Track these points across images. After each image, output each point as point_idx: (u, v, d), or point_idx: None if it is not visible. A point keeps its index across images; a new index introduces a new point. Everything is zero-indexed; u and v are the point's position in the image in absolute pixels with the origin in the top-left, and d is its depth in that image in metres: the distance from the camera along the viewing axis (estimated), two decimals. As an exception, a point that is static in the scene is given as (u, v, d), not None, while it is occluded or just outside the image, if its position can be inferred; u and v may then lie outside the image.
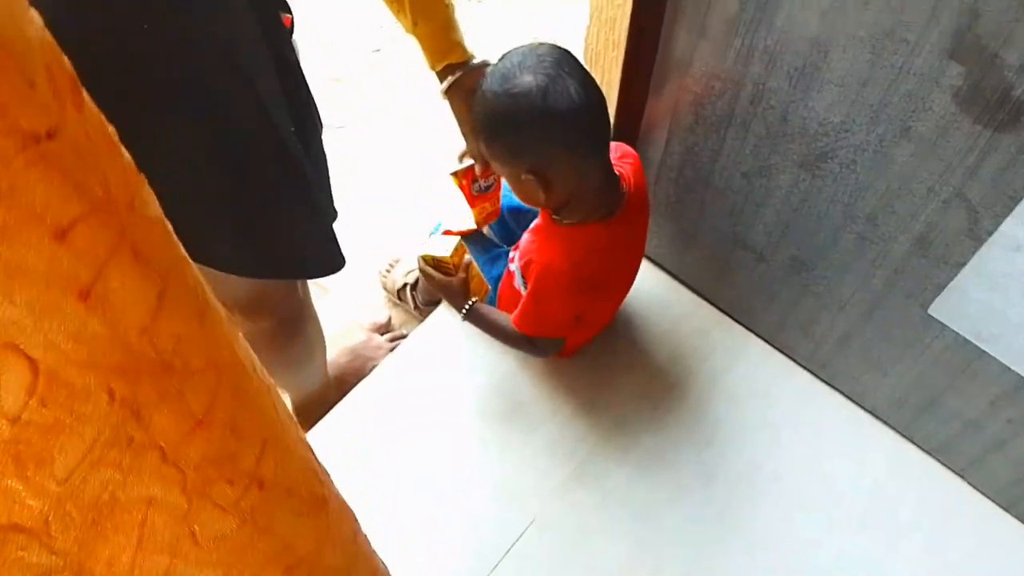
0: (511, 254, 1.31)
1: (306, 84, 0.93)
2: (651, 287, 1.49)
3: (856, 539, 1.26)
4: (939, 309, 1.11)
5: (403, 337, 1.57)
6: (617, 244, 1.18)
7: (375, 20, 2.22)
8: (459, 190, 1.23)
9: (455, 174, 1.21)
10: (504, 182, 1.18)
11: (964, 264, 1.04)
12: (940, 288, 1.09)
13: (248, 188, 0.81)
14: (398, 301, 1.64)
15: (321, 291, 1.67)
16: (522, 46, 1.03)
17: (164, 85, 0.72)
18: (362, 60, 2.18)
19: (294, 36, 0.89)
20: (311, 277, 1.20)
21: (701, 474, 1.31)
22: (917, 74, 0.91)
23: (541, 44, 1.02)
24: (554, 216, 1.15)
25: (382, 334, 1.57)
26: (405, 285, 1.60)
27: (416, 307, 1.60)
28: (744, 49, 1.06)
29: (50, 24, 0.27)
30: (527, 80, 0.98)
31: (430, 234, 1.40)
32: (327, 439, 1.35)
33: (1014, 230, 0.95)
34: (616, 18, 1.21)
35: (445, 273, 1.27)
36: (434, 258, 1.24)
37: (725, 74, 1.11)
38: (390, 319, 1.61)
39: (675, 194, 1.35)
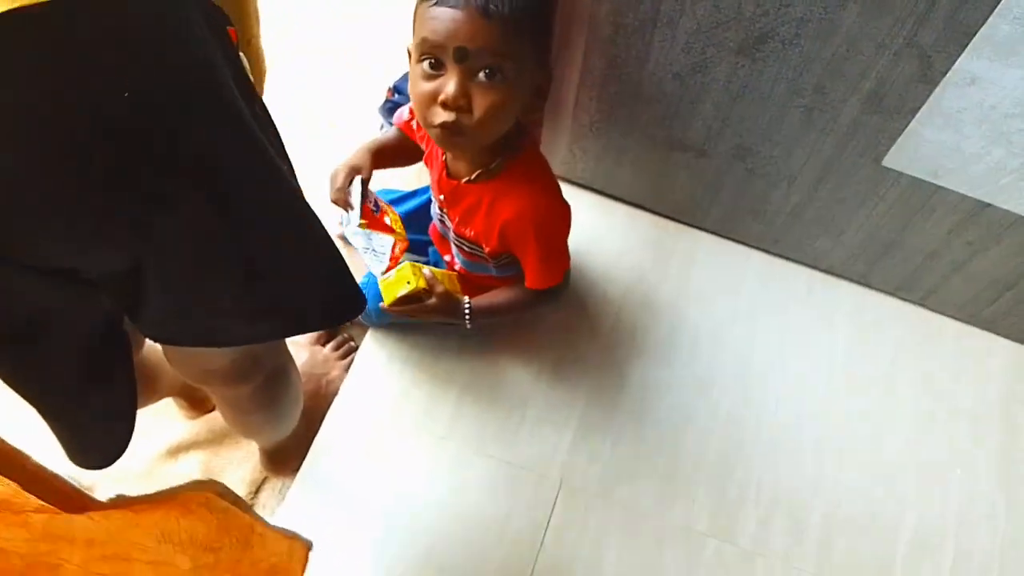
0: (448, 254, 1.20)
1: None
2: (587, 212, 1.43)
3: (850, 397, 1.31)
4: (894, 159, 1.13)
5: (348, 341, 1.43)
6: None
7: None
8: (370, 231, 1.09)
9: (362, 223, 1.07)
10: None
11: (917, 110, 1.05)
12: (893, 139, 1.11)
13: (252, 236, 0.65)
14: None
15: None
16: None
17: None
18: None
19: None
20: (336, 322, 1.04)
21: (698, 387, 1.31)
22: (862, -70, 0.88)
23: None
24: (491, 166, 1.04)
25: (323, 344, 1.42)
26: None
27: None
28: (665, -57, 0.99)
29: None
30: None
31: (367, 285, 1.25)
32: (321, 476, 1.22)
33: (968, 65, 0.97)
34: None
35: (423, 300, 1.12)
36: (406, 295, 1.09)
37: (645, -26, 1.04)
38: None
39: (598, 111, 1.28)
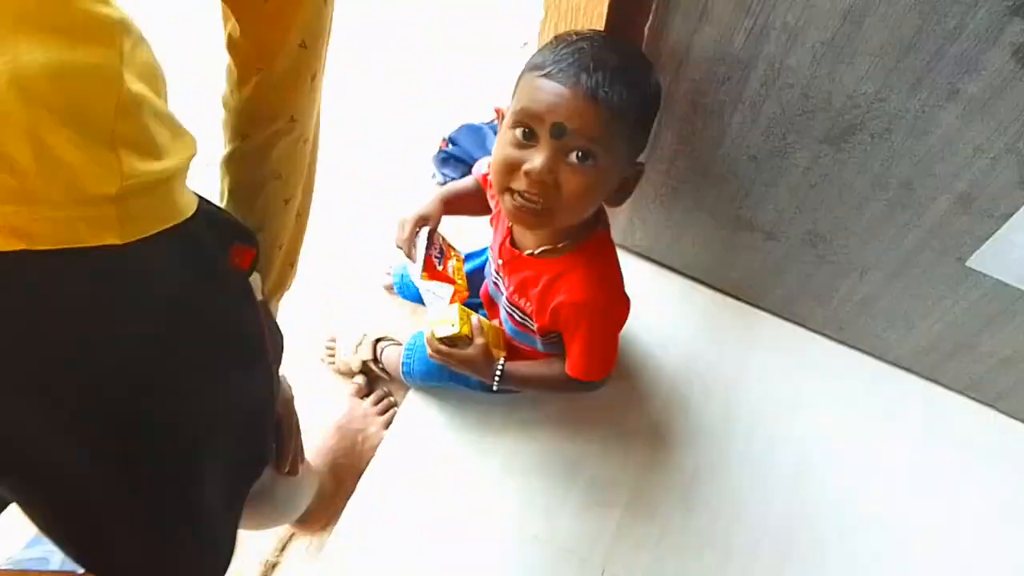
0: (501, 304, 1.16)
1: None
2: (644, 282, 1.38)
3: (912, 502, 1.24)
4: (979, 261, 1.08)
5: (387, 397, 1.39)
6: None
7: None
8: (432, 281, 1.08)
9: (425, 273, 1.06)
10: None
11: (1011, 215, 0.99)
12: (981, 240, 1.05)
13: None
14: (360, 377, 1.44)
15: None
16: (578, 36, 0.90)
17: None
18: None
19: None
20: None
21: (753, 477, 1.24)
22: (972, 35, 0.83)
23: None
24: (560, 244, 1.01)
25: (363, 397, 1.38)
26: (363, 362, 1.40)
27: (388, 374, 1.42)
28: (757, 29, 0.95)
29: None
30: (652, 73, 0.94)
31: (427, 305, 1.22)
32: (353, 539, 1.17)
33: (1072, 177, 0.91)
34: (580, 6, 1.06)
35: (462, 347, 1.08)
36: (448, 337, 1.05)
37: (732, 58, 0.99)
38: (367, 378, 1.41)
39: (665, 185, 1.24)
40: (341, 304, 1.55)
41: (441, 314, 1.05)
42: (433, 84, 1.93)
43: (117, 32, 0.48)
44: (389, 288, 1.50)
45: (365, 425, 1.34)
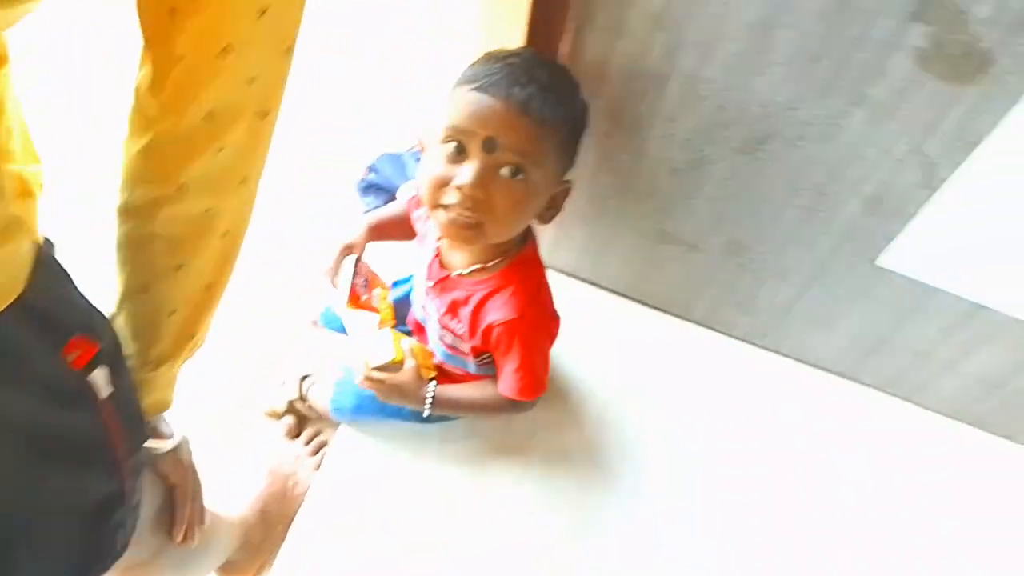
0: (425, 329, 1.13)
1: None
2: (570, 301, 1.37)
3: (839, 488, 1.27)
4: (889, 260, 1.12)
5: (318, 435, 1.34)
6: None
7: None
8: (358, 312, 1.04)
9: (350, 301, 1.03)
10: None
11: (915, 214, 1.04)
12: (889, 239, 1.10)
13: None
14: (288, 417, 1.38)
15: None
16: (508, 54, 0.91)
17: None
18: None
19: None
20: None
21: (695, 487, 1.25)
22: (875, 41, 0.87)
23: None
24: (490, 263, 1.00)
25: (295, 437, 1.33)
26: (290, 403, 1.35)
27: (316, 412, 1.36)
28: (671, 43, 0.97)
29: None
30: (578, 93, 0.96)
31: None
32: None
33: (970, 172, 0.96)
34: (500, 29, 1.07)
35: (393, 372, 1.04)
36: (383, 366, 1.01)
37: (648, 73, 1.01)
38: (296, 418, 1.36)
39: (588, 203, 1.25)
40: (259, 339, 1.49)
41: (374, 341, 1.01)
42: (426, 71, 1.92)
43: None
44: (313, 323, 1.45)
45: (295, 468, 1.28)
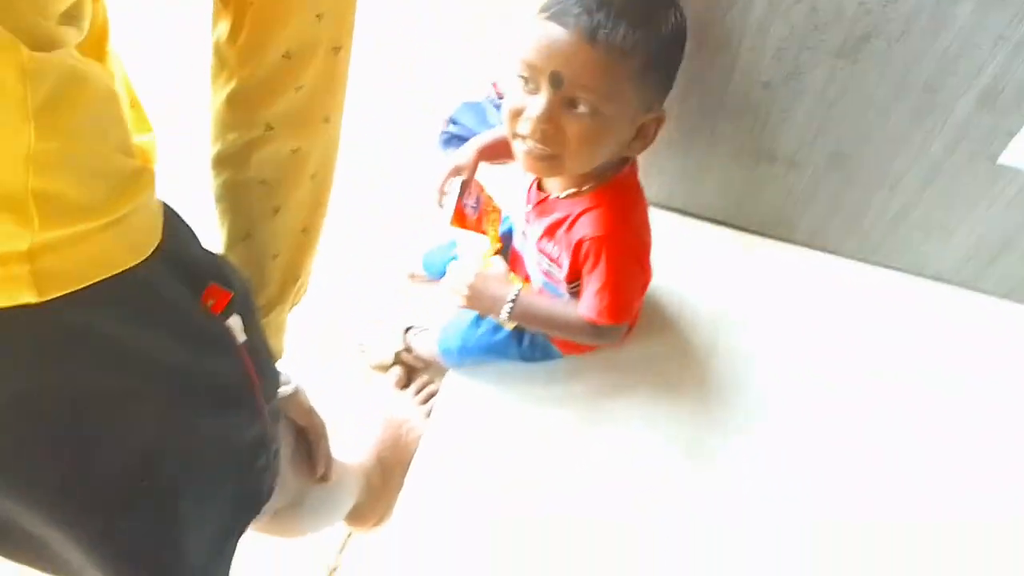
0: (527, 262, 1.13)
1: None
2: (667, 233, 1.35)
3: (971, 408, 1.21)
4: (1011, 156, 1.04)
5: (428, 385, 1.37)
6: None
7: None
8: (462, 231, 1.08)
9: (453, 220, 1.05)
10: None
11: (1040, 103, 0.96)
12: (1011, 135, 1.02)
13: None
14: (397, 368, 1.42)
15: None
16: None
17: None
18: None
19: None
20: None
21: (816, 415, 1.21)
22: (984, -86, 0.80)
23: None
24: (584, 187, 0.98)
25: (405, 387, 1.37)
26: (396, 353, 1.39)
27: (423, 361, 1.40)
28: (756, -53, 0.92)
29: None
30: (676, 10, 0.89)
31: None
32: (406, 538, 1.15)
33: (1102, 51, 0.88)
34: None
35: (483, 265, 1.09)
36: (477, 258, 1.07)
37: (734, -18, 0.97)
38: (405, 369, 1.40)
39: (677, 129, 1.21)
40: (361, 295, 1.53)
41: (472, 242, 1.07)
42: (429, 61, 1.91)
43: (12, 79, 0.41)
44: (412, 276, 1.48)
45: (408, 416, 1.33)
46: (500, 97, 1.66)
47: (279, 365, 0.79)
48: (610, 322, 1.03)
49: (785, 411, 1.22)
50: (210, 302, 0.59)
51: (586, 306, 1.02)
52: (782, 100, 1.10)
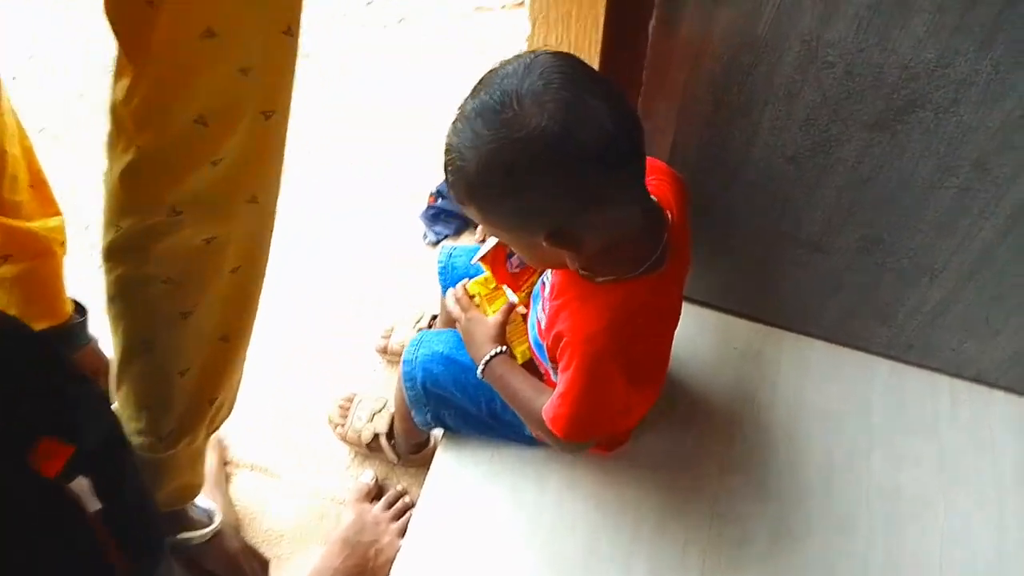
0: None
1: None
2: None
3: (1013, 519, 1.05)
4: (1073, 244, 0.92)
5: (402, 496, 1.19)
6: (668, 296, 0.89)
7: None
8: (485, 268, 0.99)
9: (483, 258, 0.96)
10: None
11: (1110, 184, 0.84)
12: (1073, 220, 0.89)
13: None
14: (369, 452, 1.25)
15: (270, 478, 1.25)
16: (507, 61, 0.72)
17: None
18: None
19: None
20: None
21: (839, 529, 1.05)
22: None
23: (534, 55, 0.71)
24: (582, 272, 0.84)
25: (373, 501, 1.18)
26: (376, 435, 1.22)
27: (398, 457, 1.23)
28: (785, 4, 0.80)
29: None
30: (534, 113, 0.67)
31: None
32: None
33: None
34: (572, 13, 0.92)
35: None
36: (479, 295, 0.97)
37: (758, 41, 0.85)
38: (376, 478, 1.22)
39: (690, 205, 1.08)
40: (336, 368, 1.39)
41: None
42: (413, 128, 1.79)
43: None
44: (383, 351, 1.36)
45: (377, 535, 1.14)
46: (432, 204, 1.54)
47: (199, 500, 0.62)
48: (559, 435, 0.87)
49: (810, 521, 1.05)
50: (41, 461, 0.43)
51: (547, 406, 0.88)
52: (808, 176, 0.97)
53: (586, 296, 0.83)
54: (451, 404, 1.08)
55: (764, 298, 1.20)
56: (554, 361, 0.90)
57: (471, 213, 0.76)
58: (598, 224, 0.74)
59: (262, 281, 0.62)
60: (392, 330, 1.37)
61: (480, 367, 0.96)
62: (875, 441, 1.12)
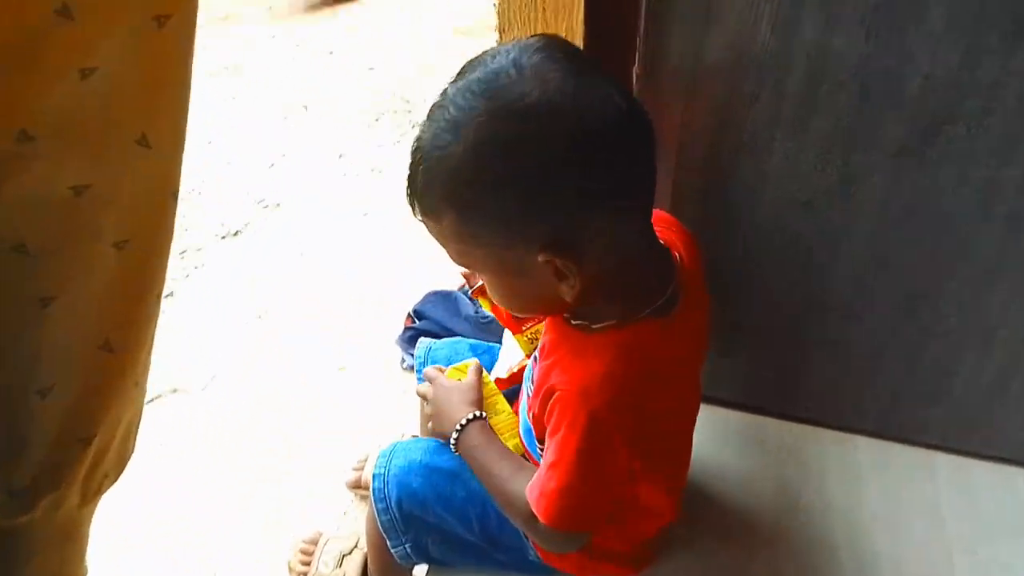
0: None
1: None
2: (699, 429, 1.03)
3: None
4: None
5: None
6: (681, 347, 0.74)
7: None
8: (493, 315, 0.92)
9: (478, 290, 0.85)
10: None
11: None
12: None
13: None
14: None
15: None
16: (492, 49, 0.62)
17: None
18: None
19: None
20: None
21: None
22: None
23: (525, 38, 0.62)
24: (574, 321, 0.70)
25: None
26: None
27: None
28: (783, 13, 0.72)
29: None
30: (535, 84, 0.57)
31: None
32: None
33: None
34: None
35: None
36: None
37: (758, 64, 0.76)
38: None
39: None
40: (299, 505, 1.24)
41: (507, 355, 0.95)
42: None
43: None
44: (355, 485, 1.19)
45: None
46: (472, 287, 1.43)
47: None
48: (546, 521, 0.69)
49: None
50: None
51: (532, 483, 0.71)
52: (830, 224, 0.85)
53: (582, 349, 0.68)
54: (435, 528, 0.88)
55: (792, 390, 1.04)
56: (541, 438, 0.73)
57: (443, 230, 0.62)
58: (603, 231, 0.61)
59: (162, 272, 0.46)
60: (367, 459, 1.19)
61: (452, 436, 0.80)
62: (953, 548, 0.92)
